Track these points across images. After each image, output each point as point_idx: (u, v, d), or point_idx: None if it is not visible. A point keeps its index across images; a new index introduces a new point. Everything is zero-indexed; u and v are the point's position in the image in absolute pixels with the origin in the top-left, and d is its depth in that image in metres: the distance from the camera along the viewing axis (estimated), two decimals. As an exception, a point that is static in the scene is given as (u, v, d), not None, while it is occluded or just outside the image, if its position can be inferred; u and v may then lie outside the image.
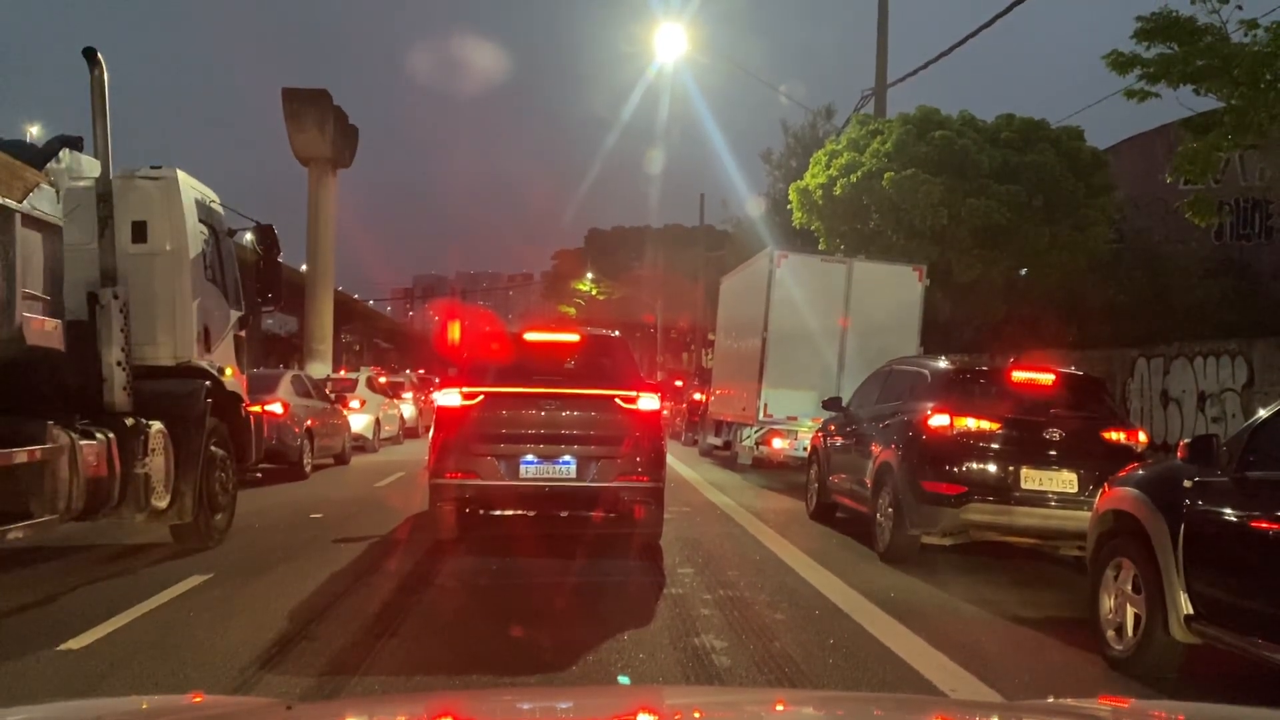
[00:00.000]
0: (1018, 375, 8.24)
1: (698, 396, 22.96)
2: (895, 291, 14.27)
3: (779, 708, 2.57)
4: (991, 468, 7.49)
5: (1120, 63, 10.26)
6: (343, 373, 24.39)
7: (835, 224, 16.85)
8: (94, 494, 6.53)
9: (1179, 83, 10.04)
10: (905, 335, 13.87)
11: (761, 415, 14.40)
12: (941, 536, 7.71)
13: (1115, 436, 7.76)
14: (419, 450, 13.52)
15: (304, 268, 34.13)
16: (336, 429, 16.14)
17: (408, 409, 23.76)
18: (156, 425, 7.18)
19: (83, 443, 6.41)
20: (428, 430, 10.07)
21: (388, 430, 20.94)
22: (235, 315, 8.93)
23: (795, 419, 14.15)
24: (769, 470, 15.62)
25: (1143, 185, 18.32)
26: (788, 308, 14.19)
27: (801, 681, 4.69)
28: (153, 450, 7.09)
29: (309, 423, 14.34)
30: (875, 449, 8.61)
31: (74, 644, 5.02)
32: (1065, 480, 7.40)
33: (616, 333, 10.64)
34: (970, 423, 7.65)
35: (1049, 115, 16.66)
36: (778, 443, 14.62)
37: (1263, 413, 4.66)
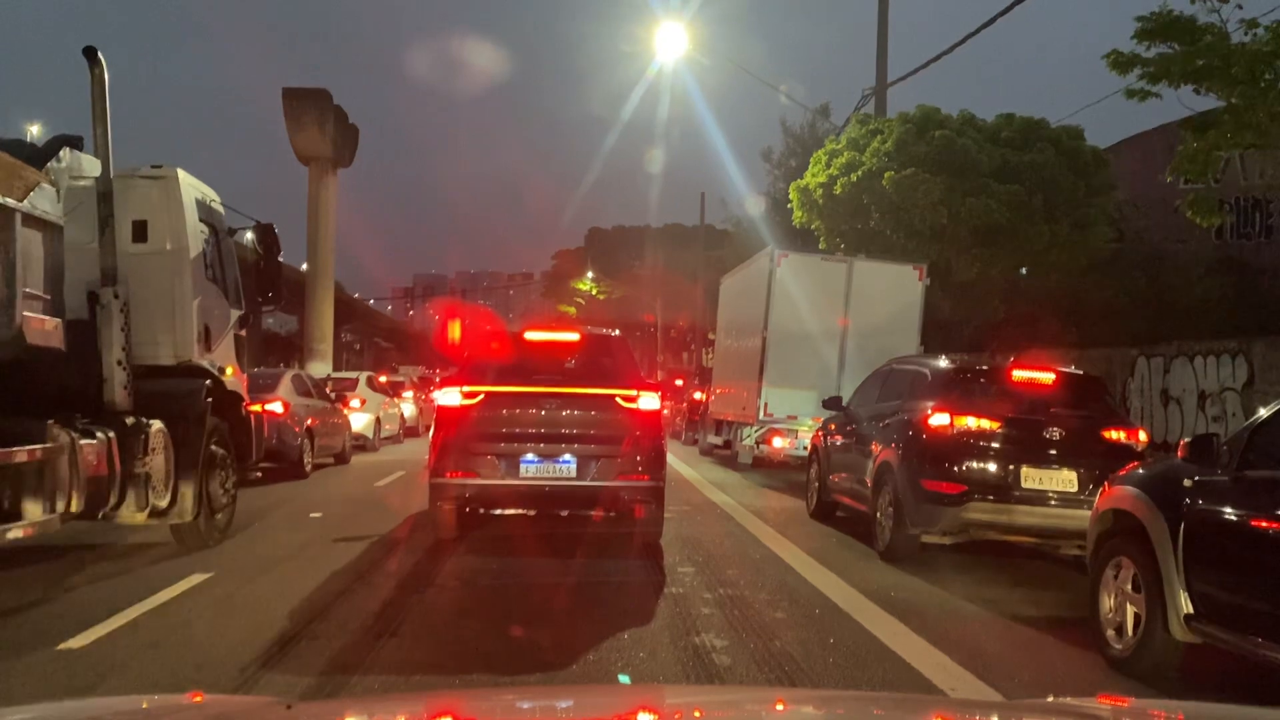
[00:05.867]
0: (1018, 374, 8.24)
1: (698, 396, 22.96)
2: (895, 291, 14.28)
3: (779, 706, 2.57)
4: (992, 467, 7.49)
5: (1120, 62, 10.26)
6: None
7: (835, 223, 16.86)
8: (94, 493, 6.53)
9: (1179, 82, 10.03)
10: (905, 334, 13.88)
11: (762, 414, 14.41)
12: (942, 535, 7.71)
13: (1115, 436, 7.76)
14: (419, 449, 13.52)
15: (304, 267, 34.14)
16: (337, 428, 16.14)
17: (408, 408, 23.79)
18: (157, 424, 7.17)
19: (83, 442, 6.40)
20: (428, 429, 10.07)
21: (388, 429, 20.95)
22: (236, 314, 8.93)
23: (795, 418, 14.16)
24: (769, 469, 15.63)
25: (1143, 185, 18.30)
26: (788, 307, 14.20)
27: (801, 680, 4.69)
28: (153, 449, 7.08)
29: (309, 422, 14.34)
30: (875, 448, 8.61)
31: (74, 644, 5.02)
32: (1065, 479, 7.40)
33: (617, 332, 10.66)
34: (970, 422, 7.65)
35: (1049, 115, 16.74)
36: (778, 442, 14.63)
37: (1263, 412, 4.67)
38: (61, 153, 7.41)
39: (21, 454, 5.91)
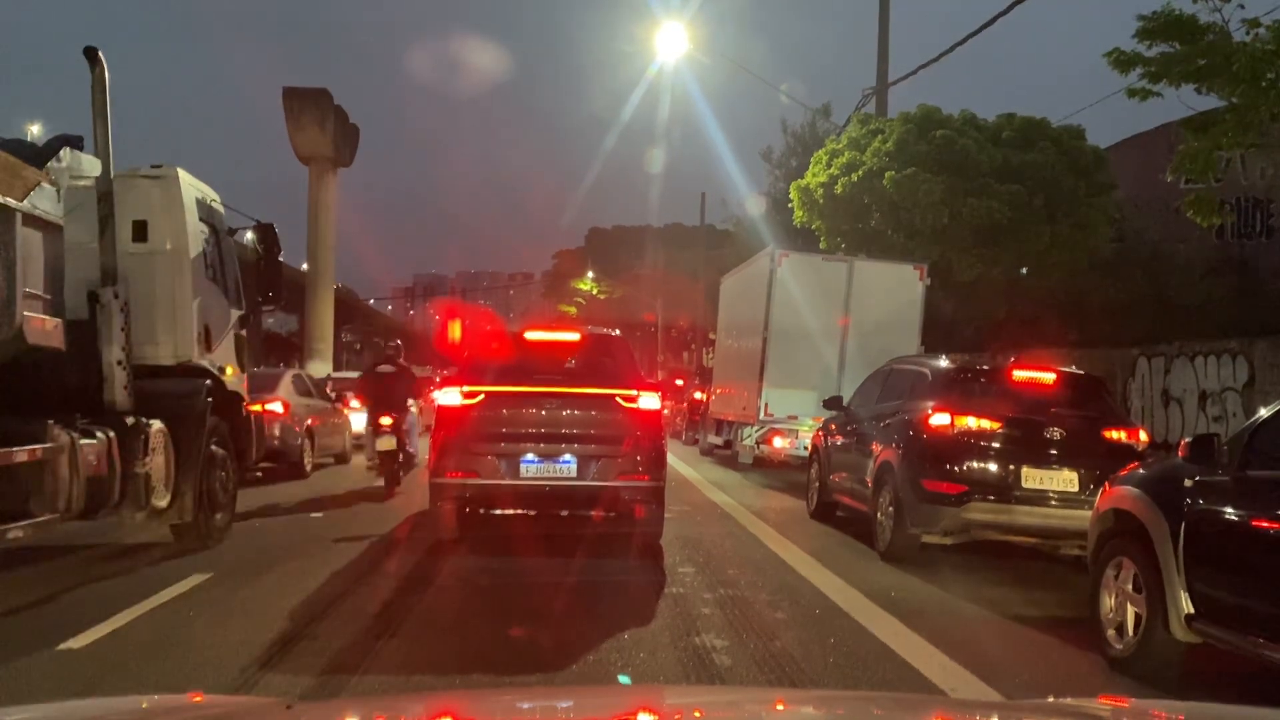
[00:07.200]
0: (1018, 374, 8.25)
1: (698, 395, 22.96)
2: (896, 290, 14.27)
3: (779, 707, 2.57)
4: (992, 467, 7.49)
5: (1122, 61, 10.24)
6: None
7: (836, 223, 16.85)
8: (94, 493, 6.53)
9: (1180, 81, 10.01)
10: (906, 334, 13.87)
11: (762, 414, 14.41)
12: (942, 535, 7.71)
13: (1116, 435, 7.76)
14: (419, 449, 13.52)
15: (304, 266, 34.14)
16: (337, 428, 16.14)
17: (408, 408, 23.70)
18: (157, 424, 7.17)
19: (83, 442, 6.40)
20: (428, 429, 10.06)
21: (388, 429, 20.89)
22: (236, 314, 8.92)
23: (796, 418, 14.16)
24: (769, 469, 15.63)
25: (1144, 184, 18.32)
26: (788, 307, 14.20)
27: (802, 680, 4.69)
28: (153, 449, 7.08)
29: (310, 422, 14.34)
30: (876, 448, 8.60)
31: (74, 644, 5.01)
32: (1066, 479, 7.39)
33: (617, 332, 10.65)
34: (971, 422, 7.65)
35: (1050, 114, 16.73)
36: (778, 442, 14.63)
37: (1263, 412, 4.66)
38: (61, 153, 7.41)
39: (22, 454, 5.91)
